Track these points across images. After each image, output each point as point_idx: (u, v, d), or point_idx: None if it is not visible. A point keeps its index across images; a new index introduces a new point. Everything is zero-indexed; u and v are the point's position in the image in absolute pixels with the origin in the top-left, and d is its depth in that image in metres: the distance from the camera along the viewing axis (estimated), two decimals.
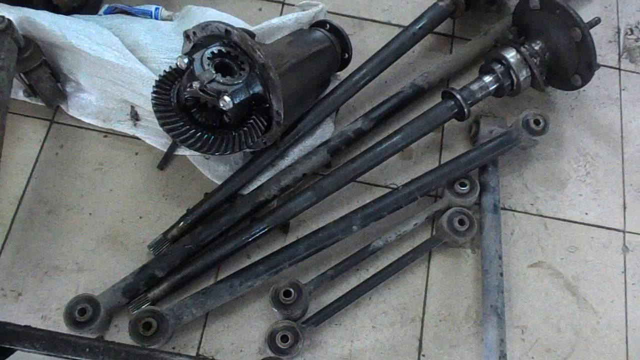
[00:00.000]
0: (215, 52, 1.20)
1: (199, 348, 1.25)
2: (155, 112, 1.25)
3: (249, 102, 1.22)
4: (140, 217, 1.35)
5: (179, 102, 1.25)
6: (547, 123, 1.36)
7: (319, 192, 1.31)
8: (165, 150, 1.39)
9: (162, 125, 1.24)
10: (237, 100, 1.18)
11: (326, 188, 1.31)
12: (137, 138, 1.40)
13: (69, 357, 1.01)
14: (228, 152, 1.25)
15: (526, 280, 1.35)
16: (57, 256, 1.30)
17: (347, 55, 1.43)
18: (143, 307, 1.22)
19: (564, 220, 1.42)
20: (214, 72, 1.17)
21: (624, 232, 1.42)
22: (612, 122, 1.54)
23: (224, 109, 1.17)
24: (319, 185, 1.31)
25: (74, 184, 1.37)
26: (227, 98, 1.16)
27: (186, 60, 1.18)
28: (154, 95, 1.25)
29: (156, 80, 1.26)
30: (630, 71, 1.60)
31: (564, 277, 1.36)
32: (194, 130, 1.23)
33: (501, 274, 1.30)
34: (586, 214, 1.43)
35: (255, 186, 1.34)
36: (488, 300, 1.27)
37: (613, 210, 1.44)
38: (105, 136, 1.42)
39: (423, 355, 1.27)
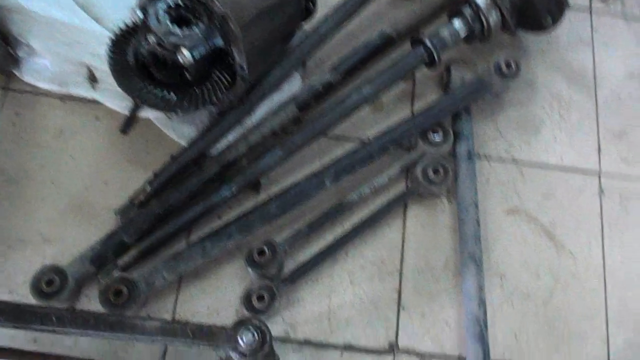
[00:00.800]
0: (171, 4, 1.14)
1: (174, 313, 1.22)
2: (112, 72, 1.20)
3: (210, 56, 1.17)
4: (105, 184, 1.30)
5: (137, 60, 1.20)
6: (519, 66, 1.33)
7: (288, 148, 1.27)
8: (127, 113, 1.33)
9: (119, 85, 1.19)
10: (196, 54, 1.13)
11: (295, 144, 1.27)
12: (97, 102, 1.34)
13: (36, 327, 0.97)
14: (191, 110, 1.21)
15: (503, 228, 1.34)
16: (20, 229, 1.25)
17: (311, 5, 1.37)
18: (113, 275, 1.18)
19: (539, 165, 1.40)
20: (170, 25, 1.12)
21: (599, 175, 1.41)
22: (584, 65, 1.51)
23: (184, 63, 1.12)
24: (288, 141, 1.27)
25: (33, 153, 1.31)
26: (185, 52, 1.11)
27: (140, 13, 1.12)
28: (110, 54, 1.20)
29: (111, 38, 1.20)
30: (601, 12, 1.58)
31: (541, 223, 1.35)
32: (154, 89, 1.19)
33: (478, 222, 1.28)
34: (561, 158, 1.41)
35: (223, 146, 1.30)
36: (465, 249, 1.26)
37: (588, 153, 1.43)
38: (63, 102, 1.36)
39: (403, 308, 1.26)
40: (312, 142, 1.30)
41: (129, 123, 1.34)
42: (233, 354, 1.02)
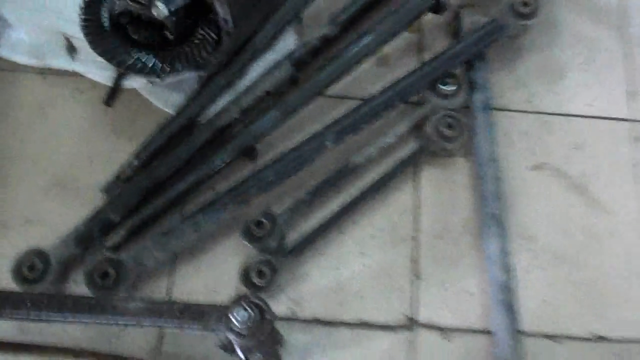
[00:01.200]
0: None
1: (169, 295, 1.12)
2: (86, 36, 1.11)
3: (189, 10, 1.07)
4: (90, 160, 1.21)
5: (112, 22, 1.10)
6: (537, 5, 1.19)
7: (284, 109, 1.15)
8: (110, 84, 1.23)
9: (95, 50, 1.11)
10: (172, 7, 1.02)
11: (292, 104, 1.16)
12: (78, 74, 1.24)
13: (9, 313, 0.88)
14: (175, 73, 1.10)
15: (528, 185, 1.21)
16: (1, 211, 1.16)
17: None
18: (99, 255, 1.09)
19: (566, 114, 1.26)
20: None
21: (632, 120, 1.26)
22: (611, 2, 1.36)
23: (160, 17, 1.02)
24: (283, 102, 1.16)
25: (13, 131, 1.22)
26: (160, 5, 1.00)
27: None
28: (83, 17, 1.11)
29: (83, 1, 1.10)
30: None
31: (570, 177, 1.21)
32: (133, 52, 1.09)
33: (499, 179, 1.16)
34: (589, 105, 1.27)
35: (214, 112, 1.19)
36: (486, 208, 1.13)
37: (619, 98, 1.28)
38: (42, 76, 1.27)
39: (419, 278, 1.14)
40: (311, 102, 1.18)
41: (113, 94, 1.24)
42: (230, 336, 0.92)
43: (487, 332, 1.10)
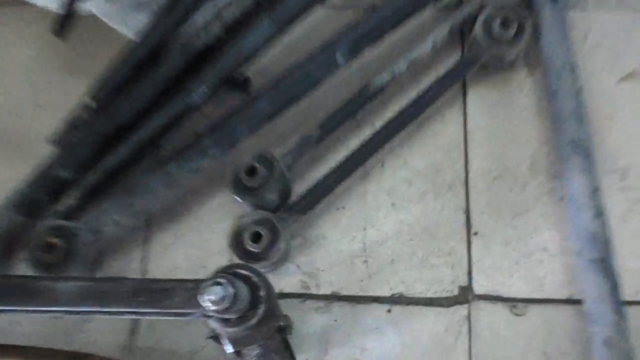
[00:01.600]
0: None
1: (143, 272, 0.86)
2: None
3: None
4: (40, 106, 0.97)
5: None
6: None
7: (279, 17, 0.86)
8: (61, 10, 0.97)
9: None
10: None
11: (290, 9, 0.87)
12: (23, 1, 0.99)
13: None
14: None
15: (618, 102, 0.90)
16: None
17: None
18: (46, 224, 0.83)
19: None
20: None
21: None
22: None
23: None
24: (277, 9, 0.87)
25: None
26: None
27: None
28: None
29: None
30: None
31: None
32: None
33: (579, 94, 0.84)
34: None
35: (190, 32, 0.91)
36: (564, 134, 0.83)
37: None
38: None
39: (475, 234, 0.84)
40: (312, 9, 0.89)
41: (65, 22, 0.98)
42: (209, 323, 0.65)
43: (573, 302, 0.80)
